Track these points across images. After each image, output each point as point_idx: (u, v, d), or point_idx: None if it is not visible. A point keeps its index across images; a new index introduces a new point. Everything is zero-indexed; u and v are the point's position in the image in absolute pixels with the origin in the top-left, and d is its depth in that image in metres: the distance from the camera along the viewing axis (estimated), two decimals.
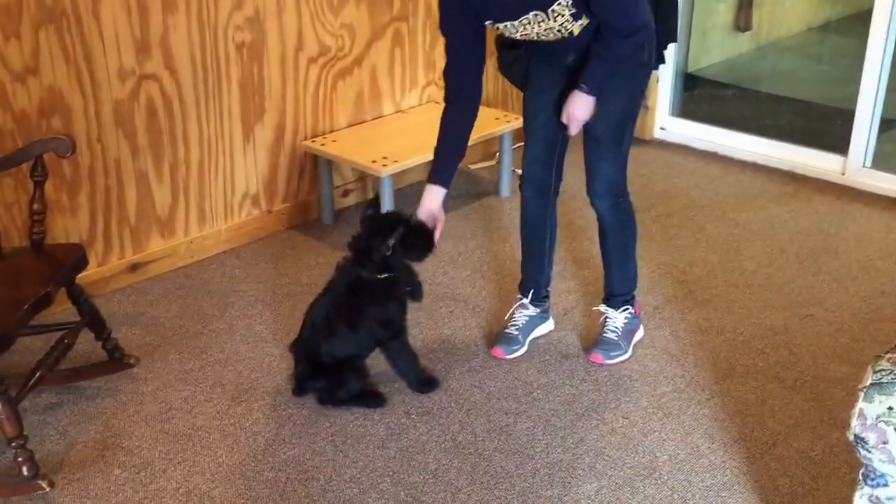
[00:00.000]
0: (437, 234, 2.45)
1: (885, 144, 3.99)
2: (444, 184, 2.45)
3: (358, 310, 2.47)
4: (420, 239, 2.44)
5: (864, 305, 3.01)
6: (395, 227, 2.39)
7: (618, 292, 2.73)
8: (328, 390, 2.53)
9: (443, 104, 2.48)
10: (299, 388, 2.58)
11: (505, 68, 2.60)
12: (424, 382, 2.60)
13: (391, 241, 2.37)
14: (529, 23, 2.28)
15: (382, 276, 2.43)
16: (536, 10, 2.24)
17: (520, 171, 2.71)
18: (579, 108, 2.39)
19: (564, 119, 2.44)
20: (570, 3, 2.22)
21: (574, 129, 2.45)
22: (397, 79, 3.77)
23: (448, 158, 2.47)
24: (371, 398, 2.55)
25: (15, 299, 2.22)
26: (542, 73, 2.52)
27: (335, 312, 2.48)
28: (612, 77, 2.37)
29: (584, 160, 2.54)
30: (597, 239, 2.71)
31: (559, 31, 2.30)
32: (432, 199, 2.44)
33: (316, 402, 2.54)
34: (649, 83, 2.55)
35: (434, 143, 2.46)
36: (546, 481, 2.27)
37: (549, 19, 2.26)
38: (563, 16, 2.25)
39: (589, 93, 2.36)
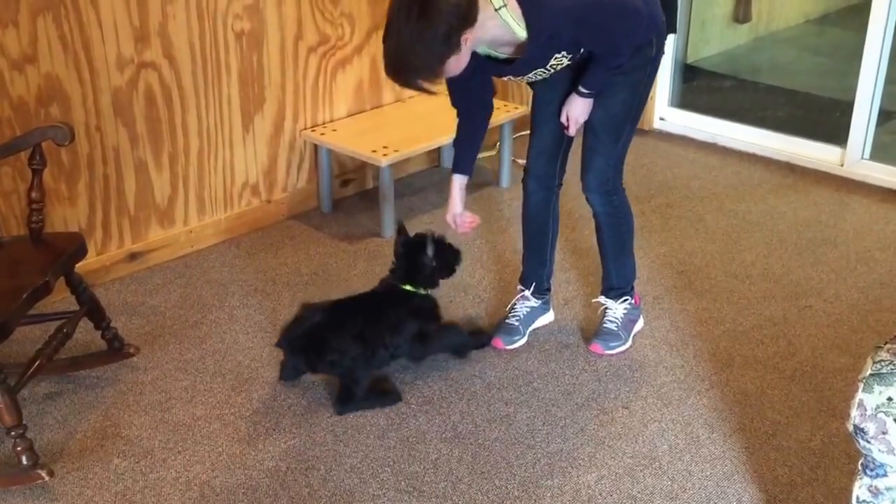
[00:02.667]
0: (468, 228, 2.61)
1: (884, 136, 3.99)
2: (465, 171, 2.58)
3: (395, 325, 2.53)
4: (449, 251, 2.65)
5: (863, 296, 3.02)
6: (427, 244, 2.57)
7: (615, 286, 2.73)
8: (345, 394, 2.47)
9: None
10: (291, 374, 2.59)
11: None
12: (477, 343, 2.71)
13: (430, 254, 2.56)
14: (531, 76, 2.40)
15: (425, 293, 2.60)
16: (538, 68, 2.35)
17: (521, 161, 2.71)
18: (577, 109, 2.45)
19: (563, 120, 2.48)
20: (565, 53, 2.31)
21: (573, 130, 2.51)
22: None
23: (466, 151, 2.58)
24: (385, 395, 2.51)
25: (13, 288, 2.22)
26: None
27: (368, 320, 2.50)
28: (615, 76, 2.39)
29: (581, 151, 2.55)
30: None
31: (558, 70, 2.42)
32: (455, 187, 2.58)
33: (325, 403, 2.54)
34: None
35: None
36: (546, 471, 2.28)
37: (548, 71, 2.37)
38: (561, 63, 2.35)
39: (587, 95, 2.42)
